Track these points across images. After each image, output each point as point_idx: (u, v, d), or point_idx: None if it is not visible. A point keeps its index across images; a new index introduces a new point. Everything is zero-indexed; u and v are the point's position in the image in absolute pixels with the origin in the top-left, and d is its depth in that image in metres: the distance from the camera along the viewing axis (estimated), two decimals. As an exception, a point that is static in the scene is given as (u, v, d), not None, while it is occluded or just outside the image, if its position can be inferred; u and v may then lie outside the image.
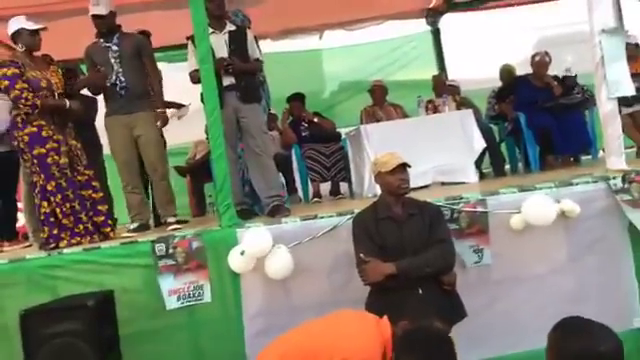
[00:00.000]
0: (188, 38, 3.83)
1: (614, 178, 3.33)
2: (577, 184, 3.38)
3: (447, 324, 2.18)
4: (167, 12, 5.07)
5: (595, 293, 3.39)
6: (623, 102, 4.84)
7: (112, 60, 4.01)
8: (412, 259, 2.64)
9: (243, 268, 3.22)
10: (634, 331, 3.39)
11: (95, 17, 4.01)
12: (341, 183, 5.38)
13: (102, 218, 3.85)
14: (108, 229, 3.88)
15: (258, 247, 3.14)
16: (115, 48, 4.03)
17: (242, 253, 3.14)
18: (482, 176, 5.13)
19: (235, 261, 3.20)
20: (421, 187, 4.45)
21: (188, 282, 3.25)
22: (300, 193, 5.46)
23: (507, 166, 5.63)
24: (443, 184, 4.63)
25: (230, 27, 3.97)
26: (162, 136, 4.36)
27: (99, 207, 3.87)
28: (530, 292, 3.39)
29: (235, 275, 3.28)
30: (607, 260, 3.41)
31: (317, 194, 5.20)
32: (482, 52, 7.10)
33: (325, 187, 5.39)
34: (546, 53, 5.23)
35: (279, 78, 6.51)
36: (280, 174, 5.38)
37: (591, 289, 3.39)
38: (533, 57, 5.24)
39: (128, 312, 3.29)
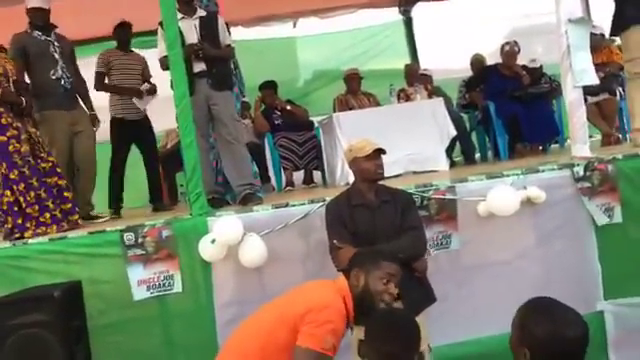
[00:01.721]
0: (160, 23, 3.76)
1: (578, 165, 3.42)
2: (543, 171, 3.46)
3: (395, 265, 2.24)
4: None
5: (560, 278, 3.48)
6: (590, 91, 4.98)
7: (55, 55, 4.06)
8: (385, 245, 2.66)
9: (214, 257, 3.19)
10: (597, 314, 3.50)
11: (36, 10, 4.03)
12: (314, 172, 5.38)
13: (69, 205, 3.78)
14: (76, 216, 3.82)
15: (229, 235, 3.12)
16: (57, 44, 4.09)
17: (213, 242, 3.12)
18: (453, 164, 5.20)
19: (206, 250, 3.17)
20: (394, 176, 4.50)
21: (158, 272, 3.21)
22: (273, 182, 5.44)
23: (477, 154, 5.72)
24: (415, 173, 4.68)
25: (201, 12, 3.91)
26: None
27: (65, 194, 3.79)
28: (497, 277, 3.46)
29: (206, 264, 3.25)
30: (572, 245, 3.50)
31: (290, 183, 5.19)
32: (454, 42, 7.15)
33: (298, 176, 5.39)
34: (515, 43, 5.31)
35: (252, 66, 6.46)
36: (253, 163, 5.39)
37: (556, 274, 3.48)
38: (502, 47, 5.32)
39: (97, 303, 3.24)
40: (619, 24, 4.09)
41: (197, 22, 3.82)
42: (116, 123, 4.64)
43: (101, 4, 5.25)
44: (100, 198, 4.70)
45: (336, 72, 6.69)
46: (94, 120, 4.41)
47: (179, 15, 3.65)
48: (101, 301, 3.26)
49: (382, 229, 2.72)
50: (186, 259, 3.25)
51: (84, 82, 4.44)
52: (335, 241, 2.69)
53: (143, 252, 3.21)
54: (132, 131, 4.64)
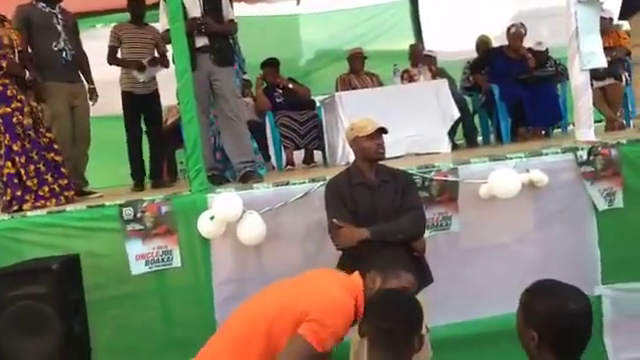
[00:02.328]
0: None
1: (582, 149, 3.39)
2: (546, 154, 3.43)
3: (412, 276, 2.20)
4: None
5: (559, 261, 3.47)
6: (595, 76, 4.91)
7: (58, 27, 4.03)
8: (385, 225, 2.65)
9: (213, 233, 3.18)
10: (595, 298, 3.50)
11: None
12: (315, 151, 5.35)
13: (66, 181, 3.77)
14: (72, 192, 3.81)
15: (228, 212, 3.10)
16: (60, 17, 4.06)
17: (212, 218, 3.10)
18: (455, 147, 5.16)
19: (204, 226, 3.16)
20: (396, 157, 4.47)
21: (156, 247, 3.20)
22: (273, 161, 5.41)
23: (480, 137, 5.68)
24: (417, 154, 4.64)
25: None
26: None
27: (62, 169, 3.77)
28: (496, 259, 3.46)
29: (205, 241, 3.24)
30: (572, 229, 3.50)
31: (290, 162, 5.17)
32: (460, 23, 7.06)
33: (299, 155, 5.36)
34: (522, 25, 5.23)
35: (254, 43, 6.36)
36: (253, 140, 5.36)
37: (555, 257, 3.48)
38: (509, 29, 5.24)
39: (95, 277, 3.24)
40: (629, 8, 4.04)
41: None
42: (125, 97, 4.62)
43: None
44: (96, 174, 4.69)
45: (339, 51, 6.61)
46: (93, 93, 4.37)
47: None
48: (99, 275, 3.27)
49: (382, 208, 2.71)
50: (185, 235, 3.25)
51: (85, 56, 4.40)
52: (335, 220, 2.67)
53: (142, 227, 3.20)
54: (140, 105, 4.60)
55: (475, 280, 3.45)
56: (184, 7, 3.46)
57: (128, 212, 3.21)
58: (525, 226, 3.50)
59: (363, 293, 2.14)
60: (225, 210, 3.11)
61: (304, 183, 3.33)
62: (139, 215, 3.21)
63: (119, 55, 4.64)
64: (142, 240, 3.21)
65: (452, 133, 5.23)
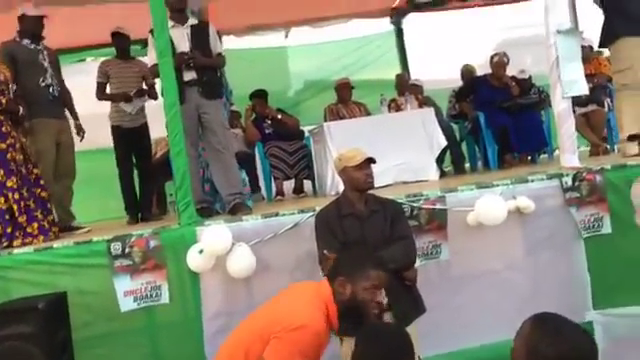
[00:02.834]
0: (150, 31, 3.75)
1: (566, 175, 3.43)
2: (532, 181, 3.47)
3: (382, 273, 2.21)
4: (128, 5, 4.94)
5: (549, 288, 3.49)
6: (578, 102, 5.01)
7: (44, 63, 4.10)
8: (376, 255, 2.64)
9: (202, 267, 3.16)
10: (586, 324, 3.49)
11: (36, 17, 4.07)
12: (305, 181, 5.37)
13: (52, 217, 3.76)
14: (57, 228, 3.82)
15: (217, 245, 3.09)
16: (45, 53, 4.14)
17: (201, 252, 3.09)
18: (443, 174, 5.21)
19: (194, 260, 3.14)
20: (384, 186, 4.50)
21: (145, 282, 3.17)
22: (263, 191, 5.41)
23: (467, 164, 5.74)
24: (405, 183, 4.67)
25: (192, 21, 3.90)
26: None
27: (49, 205, 3.77)
28: (487, 287, 3.46)
29: (194, 274, 3.22)
30: (561, 255, 3.51)
31: (280, 192, 5.17)
32: (445, 52, 7.20)
33: (289, 185, 5.37)
34: (504, 54, 5.35)
35: (244, 75, 6.48)
36: (243, 172, 5.37)
37: (545, 284, 3.49)
38: (492, 58, 5.36)
39: (83, 314, 3.20)
40: (608, 36, 4.14)
41: (188, 31, 3.81)
42: (114, 131, 4.65)
43: (94, 13, 5.25)
44: (83, 208, 4.68)
45: (327, 82, 6.71)
46: (80, 129, 4.42)
47: (170, 23, 3.64)
48: (87, 313, 3.23)
49: (372, 239, 2.71)
50: (174, 269, 3.22)
51: (69, 92, 4.46)
52: (325, 251, 2.67)
53: (130, 262, 3.18)
54: (129, 138, 4.62)
55: (465, 308, 3.45)
56: (172, 41, 3.50)
57: (116, 247, 3.19)
58: (514, 253, 3.51)
59: (335, 300, 2.13)
60: (214, 243, 3.10)
61: (293, 214, 3.33)
62: (127, 250, 3.18)
63: (108, 90, 4.68)
64: (130, 276, 3.17)
65: (440, 160, 5.29)
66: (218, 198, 4.09)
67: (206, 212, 3.77)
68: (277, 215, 3.36)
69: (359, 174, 2.78)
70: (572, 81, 3.47)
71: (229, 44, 6.63)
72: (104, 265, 3.21)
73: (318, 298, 2.14)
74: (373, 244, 2.69)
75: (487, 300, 3.46)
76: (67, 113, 4.42)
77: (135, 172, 4.78)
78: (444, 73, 6.89)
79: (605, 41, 4.18)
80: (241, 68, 6.64)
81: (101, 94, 4.65)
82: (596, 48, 5.04)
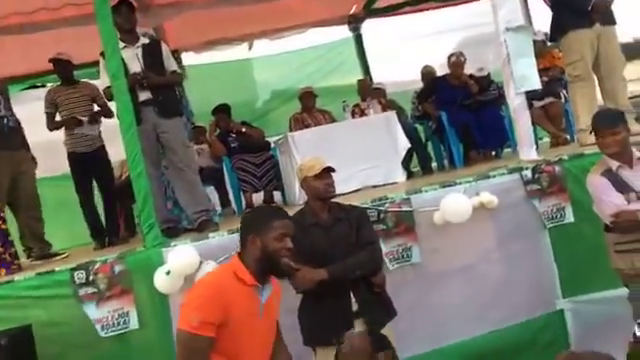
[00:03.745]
0: (101, 54, 3.70)
1: (526, 169, 3.49)
2: (494, 176, 3.52)
3: (288, 220, 2.25)
4: (80, 28, 4.86)
5: (519, 280, 3.54)
6: (535, 96, 5.13)
7: None
8: (342, 263, 2.64)
9: (170, 288, 3.10)
10: (558, 312, 3.56)
11: None
12: (275, 192, 5.34)
13: (14, 249, 3.65)
14: (19, 261, 3.72)
15: (184, 265, 3.04)
16: None
17: (168, 273, 3.03)
18: (411, 175, 5.25)
19: (161, 282, 3.07)
20: (353, 191, 4.51)
21: (112, 310, 3.09)
22: (234, 205, 5.37)
23: (435, 164, 5.80)
24: (374, 187, 4.69)
25: (143, 40, 3.85)
26: None
27: (9, 238, 3.66)
28: (459, 284, 3.49)
29: (163, 297, 3.15)
30: (528, 247, 3.57)
31: (250, 205, 5.13)
32: (408, 54, 7.28)
33: (259, 197, 5.34)
34: (461, 53, 5.44)
35: (207, 90, 6.45)
36: (212, 187, 5.32)
37: (516, 276, 3.54)
38: (449, 58, 5.44)
39: (52, 346, 3.10)
40: (558, 29, 4.25)
41: (140, 50, 3.76)
42: (70, 157, 4.55)
43: (47, 39, 5.15)
44: (58, 235, 4.60)
45: (292, 91, 6.71)
46: (32, 161, 4.37)
47: (121, 44, 3.60)
48: (56, 343, 3.13)
49: (337, 247, 2.70)
50: (142, 293, 3.15)
51: (19, 122, 4.31)
52: (291, 263, 2.64)
53: (95, 290, 3.09)
54: (86, 163, 4.52)
55: (440, 307, 3.47)
56: (124, 62, 3.45)
57: (80, 276, 3.10)
58: (482, 248, 3.55)
59: (251, 260, 2.15)
60: (181, 263, 3.04)
61: (260, 227, 3.30)
62: (92, 278, 3.10)
63: (58, 118, 4.57)
64: (96, 304, 3.09)
65: (407, 162, 5.33)
66: (184, 216, 4.04)
67: (172, 232, 3.71)
68: (243, 229, 3.32)
69: (319, 183, 2.77)
70: (524, 76, 3.54)
71: (189, 60, 6.60)
72: (69, 295, 3.12)
73: (224, 269, 2.26)
74: (339, 252, 2.68)
75: (461, 297, 3.49)
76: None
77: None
78: (407, 75, 6.96)
79: (555, 35, 4.29)
80: (204, 83, 6.62)
81: (52, 124, 4.55)
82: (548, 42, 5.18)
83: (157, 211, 3.43)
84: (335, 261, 2.67)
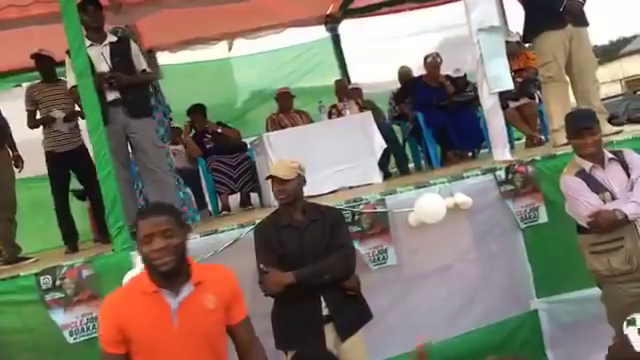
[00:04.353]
0: (67, 52, 3.60)
1: (500, 169, 3.50)
2: (468, 177, 3.51)
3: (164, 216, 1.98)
4: (48, 27, 4.74)
5: (494, 280, 3.54)
6: (510, 97, 5.16)
7: None
8: (310, 267, 2.61)
9: (140, 293, 3.03)
10: (532, 313, 3.57)
11: None
12: (252, 194, 5.29)
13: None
14: None
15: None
16: None
17: (137, 277, 2.95)
18: (389, 176, 5.24)
19: (131, 286, 3.00)
20: (331, 192, 4.48)
21: (80, 315, 3.00)
22: (210, 207, 5.30)
23: (412, 164, 5.80)
24: (351, 188, 4.66)
25: (111, 38, 3.76)
26: None
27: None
28: (435, 285, 3.48)
29: (133, 301, 3.08)
30: (502, 248, 3.58)
31: (226, 207, 5.07)
32: (386, 55, 7.25)
33: (235, 199, 5.27)
34: (437, 54, 5.45)
35: (184, 90, 6.35)
36: (188, 189, 5.23)
37: (490, 277, 3.54)
38: (425, 59, 5.45)
39: (23, 353, 3.03)
40: (531, 31, 4.27)
41: (107, 49, 3.67)
42: (48, 157, 4.40)
43: (17, 36, 5.02)
44: (32, 238, 4.53)
45: (269, 91, 6.66)
46: (18, 160, 4.23)
47: (87, 42, 3.51)
48: (27, 350, 3.05)
49: (310, 249, 2.67)
50: (110, 298, 3.07)
51: (5, 120, 4.25)
52: (262, 266, 2.61)
53: (62, 295, 3.00)
54: (66, 162, 4.37)
55: (417, 309, 3.45)
56: (91, 62, 3.37)
57: (46, 281, 3.01)
58: (458, 248, 3.55)
59: (143, 272, 2.03)
60: (150, 267, 2.97)
61: (233, 229, 3.25)
62: (58, 282, 3.01)
63: (38, 116, 4.43)
64: (64, 309, 3.00)
65: (385, 163, 5.32)
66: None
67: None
68: (216, 232, 3.26)
69: (274, 189, 2.75)
70: (497, 77, 3.54)
71: (165, 59, 6.50)
72: (35, 300, 3.02)
73: (130, 279, 2.31)
74: (312, 255, 2.65)
75: (436, 299, 3.48)
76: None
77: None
78: (386, 75, 6.94)
79: (528, 36, 4.31)
80: (181, 83, 6.52)
81: (32, 122, 4.40)
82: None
83: (126, 213, 3.35)
84: (307, 263, 2.63)
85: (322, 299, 2.62)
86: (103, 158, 3.15)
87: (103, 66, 3.60)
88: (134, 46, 3.83)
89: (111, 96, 3.59)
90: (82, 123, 4.48)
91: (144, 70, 3.86)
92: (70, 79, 3.58)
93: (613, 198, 2.75)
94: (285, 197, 2.73)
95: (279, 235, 2.72)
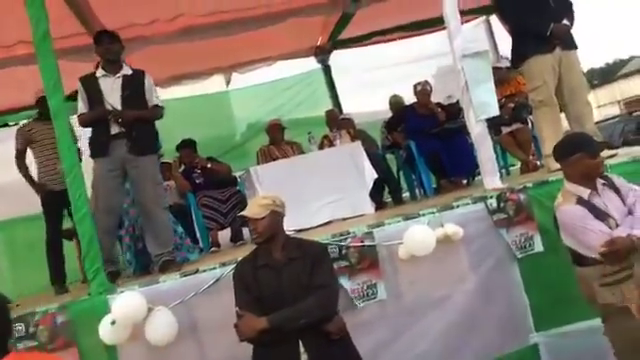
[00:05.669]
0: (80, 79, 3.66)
1: (491, 197, 3.38)
2: (458, 207, 3.39)
3: None
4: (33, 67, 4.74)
5: (490, 314, 3.38)
6: (503, 122, 5.08)
7: None
8: (286, 311, 2.45)
9: (117, 338, 2.89)
10: (532, 347, 3.39)
11: None
12: (243, 228, 5.17)
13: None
14: None
15: (130, 313, 2.84)
16: None
17: (113, 323, 2.82)
18: (384, 206, 5.12)
19: (107, 332, 2.87)
20: (324, 224, 4.36)
21: (54, 364, 2.86)
22: (201, 243, 5.17)
23: (407, 194, 5.69)
24: (344, 219, 4.54)
25: (126, 71, 3.71)
26: None
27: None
28: (427, 321, 3.32)
29: (111, 347, 2.95)
30: (497, 279, 3.42)
31: (215, 243, 4.96)
32: (379, 84, 7.23)
33: (226, 234, 5.16)
34: (427, 82, 5.40)
35: (175, 125, 6.31)
36: (179, 225, 5.13)
37: (485, 310, 3.38)
38: (415, 87, 5.40)
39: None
40: (519, 56, 4.21)
41: (119, 81, 3.63)
42: (43, 194, 4.30)
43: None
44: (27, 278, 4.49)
45: (261, 123, 6.63)
46: None
47: (100, 72, 3.53)
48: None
49: (289, 290, 2.52)
50: (87, 346, 2.94)
51: None
52: (237, 309, 2.47)
53: (36, 344, 2.88)
54: (60, 201, 4.20)
55: (409, 347, 3.29)
56: (101, 92, 3.33)
57: (19, 328, 2.89)
58: (451, 282, 3.39)
59: None
60: (127, 311, 2.85)
61: (214, 269, 3.13)
62: (32, 330, 2.89)
63: (31, 155, 4.35)
64: (37, 359, 2.86)
65: (379, 193, 5.22)
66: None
67: (114, 276, 3.52)
68: (197, 272, 3.15)
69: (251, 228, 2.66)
70: (483, 103, 3.46)
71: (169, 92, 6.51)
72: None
73: None
74: (291, 296, 2.50)
75: (429, 335, 3.32)
76: None
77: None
78: (378, 105, 6.90)
79: (516, 61, 4.25)
80: (172, 118, 6.49)
81: (22, 162, 4.32)
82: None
83: (103, 250, 3.25)
84: (285, 305, 2.49)
85: (301, 344, 2.46)
86: (79, 199, 3.07)
87: (114, 98, 3.56)
88: (148, 80, 3.77)
89: (114, 129, 3.55)
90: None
91: (156, 105, 3.79)
92: (79, 107, 3.61)
93: (617, 225, 2.60)
94: (257, 236, 2.62)
95: (256, 275, 2.59)
